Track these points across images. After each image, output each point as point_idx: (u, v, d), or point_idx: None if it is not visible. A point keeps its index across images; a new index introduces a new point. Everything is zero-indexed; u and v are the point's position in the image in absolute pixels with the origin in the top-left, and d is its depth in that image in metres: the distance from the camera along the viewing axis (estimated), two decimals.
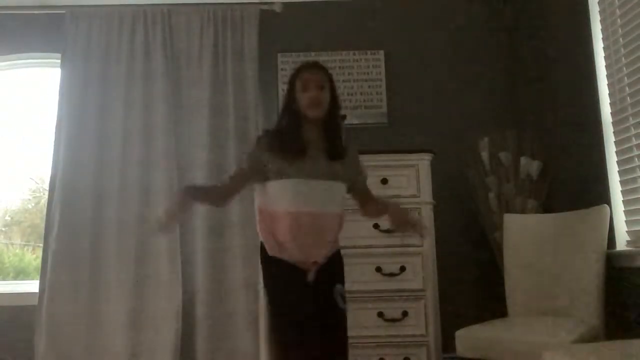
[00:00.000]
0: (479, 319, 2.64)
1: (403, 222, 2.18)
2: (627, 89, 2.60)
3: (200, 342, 3.29)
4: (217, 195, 2.17)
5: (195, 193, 2.11)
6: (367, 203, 2.22)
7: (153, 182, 3.43)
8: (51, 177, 3.47)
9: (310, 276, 2.01)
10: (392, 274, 2.84)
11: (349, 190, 2.17)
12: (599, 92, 2.76)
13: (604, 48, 2.75)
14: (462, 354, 2.42)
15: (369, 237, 2.86)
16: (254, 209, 2.24)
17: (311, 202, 2.01)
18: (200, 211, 3.39)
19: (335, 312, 2.01)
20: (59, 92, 3.54)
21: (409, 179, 2.91)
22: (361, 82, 3.63)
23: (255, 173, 2.07)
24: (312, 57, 3.53)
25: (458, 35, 3.70)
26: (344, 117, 3.15)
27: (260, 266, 2.16)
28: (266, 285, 2.09)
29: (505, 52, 3.67)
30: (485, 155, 3.26)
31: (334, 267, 2.10)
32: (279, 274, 2.04)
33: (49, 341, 3.25)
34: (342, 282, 2.10)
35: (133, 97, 3.51)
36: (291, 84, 2.11)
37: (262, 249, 2.11)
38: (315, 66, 2.14)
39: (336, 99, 2.15)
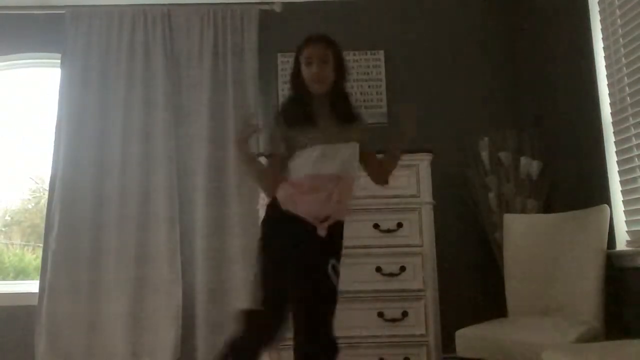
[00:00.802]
0: (479, 319, 2.64)
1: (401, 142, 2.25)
2: (627, 89, 2.60)
3: (200, 342, 3.29)
4: (268, 180, 2.16)
5: (249, 151, 2.14)
6: (380, 167, 2.27)
7: (153, 182, 3.43)
8: (51, 177, 3.47)
9: (321, 231, 2.04)
10: (392, 274, 2.84)
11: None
12: (599, 92, 2.75)
13: (604, 48, 2.75)
14: (462, 354, 2.42)
15: (369, 237, 2.86)
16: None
17: (328, 165, 2.05)
18: (200, 211, 3.39)
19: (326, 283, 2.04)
20: (59, 92, 3.54)
21: (409, 179, 2.91)
22: (361, 82, 3.63)
23: (286, 151, 2.11)
24: None
25: (458, 35, 3.70)
26: None
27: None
28: (268, 234, 2.12)
29: (505, 52, 3.67)
30: (485, 155, 3.26)
31: (335, 238, 2.13)
32: (287, 224, 2.06)
33: (49, 341, 3.25)
34: (339, 255, 2.13)
35: (133, 97, 3.51)
36: (296, 57, 2.14)
37: (271, 208, 2.13)
38: (320, 40, 2.14)
39: (342, 71, 2.17)
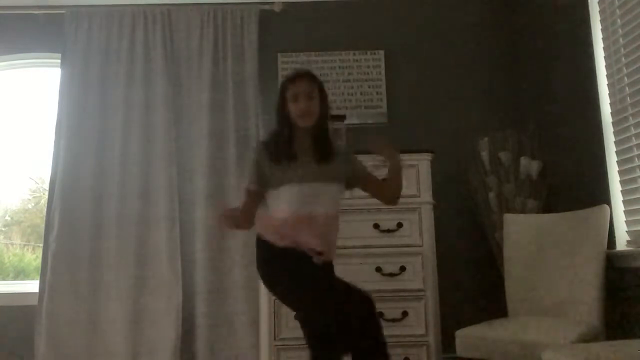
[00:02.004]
0: (479, 319, 2.64)
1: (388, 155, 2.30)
2: (627, 89, 2.60)
3: (200, 342, 3.29)
4: (240, 220, 2.19)
5: (231, 216, 2.16)
6: (382, 187, 2.31)
7: (153, 182, 3.43)
8: (51, 177, 3.47)
9: (317, 259, 2.07)
10: (392, 274, 2.84)
11: (349, 186, 2.25)
12: (599, 92, 2.76)
13: (604, 48, 2.75)
14: (462, 354, 2.42)
15: (369, 237, 2.87)
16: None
17: (305, 205, 2.09)
18: (200, 211, 3.39)
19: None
20: (59, 92, 3.54)
21: (409, 179, 2.91)
22: (361, 82, 3.63)
23: (262, 186, 2.16)
24: (312, 57, 3.58)
25: (458, 35, 3.70)
26: (344, 117, 3.15)
27: (259, 271, 2.20)
28: (276, 274, 2.13)
29: (505, 52, 3.67)
30: (485, 155, 3.26)
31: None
32: (289, 257, 2.09)
33: (49, 341, 3.25)
34: None
35: (133, 97, 3.51)
36: (282, 94, 2.19)
37: (264, 246, 2.15)
38: (305, 76, 2.20)
39: (326, 107, 2.22)
